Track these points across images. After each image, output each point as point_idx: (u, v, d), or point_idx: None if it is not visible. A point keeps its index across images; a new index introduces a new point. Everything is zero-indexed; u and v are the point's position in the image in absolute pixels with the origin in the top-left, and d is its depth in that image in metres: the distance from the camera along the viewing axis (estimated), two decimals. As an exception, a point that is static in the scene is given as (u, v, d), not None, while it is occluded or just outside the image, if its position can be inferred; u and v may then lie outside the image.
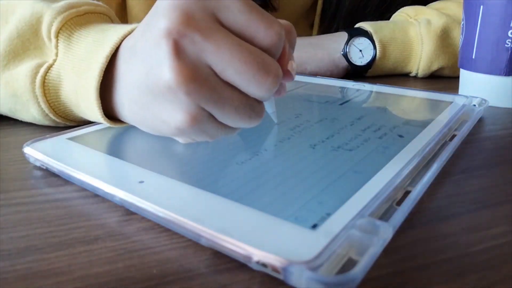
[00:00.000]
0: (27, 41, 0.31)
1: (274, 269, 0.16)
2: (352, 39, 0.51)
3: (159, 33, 0.20)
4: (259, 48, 0.21)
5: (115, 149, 0.27)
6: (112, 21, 0.34)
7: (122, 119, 0.29)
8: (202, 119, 0.22)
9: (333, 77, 0.51)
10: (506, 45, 0.38)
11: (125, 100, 0.26)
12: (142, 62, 0.23)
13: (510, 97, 0.39)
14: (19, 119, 0.34)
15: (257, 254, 0.16)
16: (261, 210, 0.19)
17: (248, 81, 0.20)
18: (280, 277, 0.16)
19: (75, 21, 0.31)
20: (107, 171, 0.24)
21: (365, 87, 0.43)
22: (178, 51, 0.20)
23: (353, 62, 0.52)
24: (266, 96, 0.21)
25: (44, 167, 0.26)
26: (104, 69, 0.27)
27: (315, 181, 0.22)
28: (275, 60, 0.21)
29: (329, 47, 0.52)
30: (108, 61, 0.27)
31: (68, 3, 0.31)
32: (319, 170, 0.24)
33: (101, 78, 0.27)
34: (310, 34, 0.67)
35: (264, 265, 0.16)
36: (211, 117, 0.22)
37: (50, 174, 0.26)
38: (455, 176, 0.26)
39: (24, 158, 0.28)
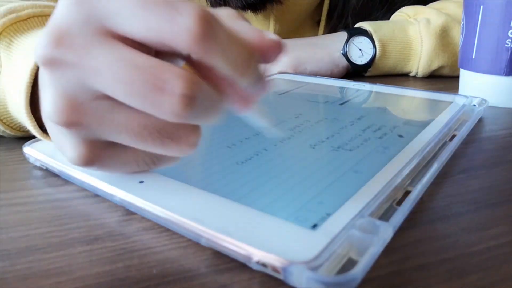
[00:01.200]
0: None
1: (274, 269, 0.16)
2: (352, 38, 0.52)
3: (39, 62, 0.17)
4: (173, 53, 0.17)
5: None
6: None
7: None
8: (100, 154, 0.19)
9: (333, 76, 0.51)
10: (506, 45, 0.38)
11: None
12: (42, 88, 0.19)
13: (510, 97, 0.39)
14: None
15: (257, 254, 0.16)
16: (261, 210, 0.19)
17: (142, 103, 0.16)
18: (280, 277, 0.16)
19: (15, 27, 0.28)
20: (107, 171, 0.24)
21: (365, 87, 0.43)
22: (53, 81, 0.17)
23: (353, 61, 0.52)
24: (175, 119, 0.16)
25: (44, 167, 0.26)
26: (29, 91, 0.25)
27: (315, 181, 0.22)
28: (178, 72, 0.16)
29: (328, 46, 0.52)
30: (32, 80, 0.25)
31: (10, 8, 0.28)
32: (319, 170, 0.24)
33: (29, 99, 0.26)
34: (316, 33, 0.66)
35: (264, 265, 0.16)
36: (121, 149, 0.19)
37: (50, 174, 0.26)
38: (455, 176, 0.26)
39: (24, 158, 0.28)
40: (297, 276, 0.15)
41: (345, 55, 0.52)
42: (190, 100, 0.16)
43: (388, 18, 0.59)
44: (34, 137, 0.28)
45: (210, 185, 0.22)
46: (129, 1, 0.16)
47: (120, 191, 0.22)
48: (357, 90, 0.42)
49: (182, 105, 0.16)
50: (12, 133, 0.30)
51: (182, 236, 0.20)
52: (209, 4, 0.55)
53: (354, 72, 0.53)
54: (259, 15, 0.58)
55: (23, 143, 0.28)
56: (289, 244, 0.17)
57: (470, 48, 0.40)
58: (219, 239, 0.18)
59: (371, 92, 0.42)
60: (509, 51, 0.38)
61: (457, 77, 0.45)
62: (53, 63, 0.17)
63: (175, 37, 0.15)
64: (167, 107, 0.16)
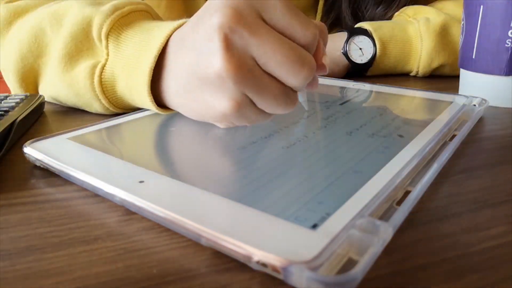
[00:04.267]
0: (80, 43, 0.35)
1: (274, 269, 0.16)
2: (352, 37, 0.52)
3: (212, 27, 0.23)
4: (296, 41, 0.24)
5: (115, 149, 0.27)
6: (152, 17, 0.37)
7: (169, 106, 0.32)
8: (245, 105, 0.24)
9: (334, 76, 0.51)
10: (506, 45, 0.38)
11: (173, 87, 0.29)
12: (193, 53, 0.26)
13: (510, 97, 0.39)
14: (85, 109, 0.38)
15: (257, 254, 0.16)
16: (261, 210, 0.19)
17: (287, 71, 0.23)
18: (280, 277, 0.16)
19: (121, 22, 0.34)
20: (107, 171, 0.24)
21: (365, 87, 0.43)
22: (228, 44, 0.23)
23: (354, 60, 0.52)
24: (301, 86, 0.24)
25: (44, 167, 0.26)
26: (153, 67, 0.30)
27: (315, 181, 0.22)
28: (310, 54, 0.24)
29: (329, 46, 0.52)
30: (156, 59, 0.30)
31: (114, 5, 0.34)
32: (319, 170, 0.24)
33: (151, 75, 0.30)
34: None
35: (264, 265, 0.16)
36: (252, 103, 0.25)
37: (50, 174, 0.26)
38: (455, 176, 0.26)
39: (24, 158, 0.28)
40: (297, 276, 0.15)
41: (346, 54, 0.52)
42: (313, 72, 0.24)
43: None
44: (35, 136, 0.28)
45: (210, 185, 0.22)
46: (279, 2, 0.23)
47: (120, 191, 0.22)
48: (357, 90, 0.42)
49: (310, 75, 0.24)
50: (115, 111, 0.36)
51: (182, 236, 0.20)
52: None
53: (355, 71, 0.53)
54: None
55: (23, 143, 0.28)
56: (289, 244, 0.17)
57: (470, 48, 0.40)
58: (219, 239, 0.18)
59: (371, 92, 0.42)
60: (509, 51, 0.38)
61: (457, 77, 0.45)
62: (231, 31, 0.22)
63: (306, 35, 0.24)
64: (304, 74, 0.23)
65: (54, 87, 0.37)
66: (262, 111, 0.26)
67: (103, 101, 0.35)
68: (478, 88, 0.41)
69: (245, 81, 0.23)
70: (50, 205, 0.23)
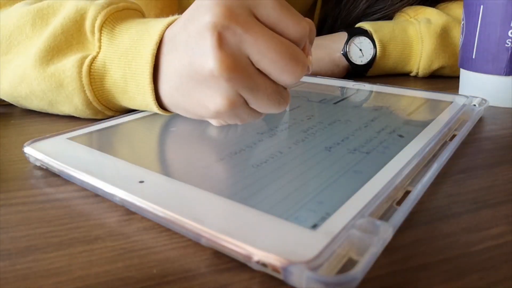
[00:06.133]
0: (70, 37, 0.33)
1: (274, 269, 0.16)
2: (352, 38, 0.52)
3: (204, 26, 0.23)
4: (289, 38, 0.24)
5: (115, 149, 0.27)
6: (143, 17, 0.36)
7: (163, 106, 0.31)
8: (238, 104, 0.25)
9: (334, 76, 0.51)
10: (506, 45, 0.38)
11: (166, 87, 0.29)
12: (185, 52, 0.25)
13: (510, 97, 0.39)
14: (56, 112, 0.37)
15: (257, 254, 0.16)
16: (261, 210, 0.19)
17: (281, 69, 0.23)
18: (280, 277, 0.16)
19: (116, 16, 0.33)
20: (107, 171, 0.24)
21: (365, 87, 0.43)
22: (222, 42, 0.23)
23: (353, 62, 0.52)
24: (293, 83, 0.24)
25: (44, 167, 0.26)
26: (155, 55, 0.29)
27: (315, 181, 0.22)
28: (302, 51, 0.24)
29: (329, 47, 0.52)
30: (157, 48, 0.29)
31: (108, 0, 0.34)
32: (319, 170, 0.24)
33: (153, 64, 0.29)
34: None
35: (264, 265, 0.16)
36: (245, 102, 0.25)
37: (50, 174, 0.26)
38: (455, 176, 0.26)
39: (24, 158, 0.28)
40: (297, 276, 0.15)
41: (346, 55, 0.52)
42: (305, 69, 0.24)
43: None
44: (35, 136, 0.28)
45: (210, 185, 0.22)
46: (270, 0, 0.23)
47: (120, 191, 0.22)
48: (357, 90, 0.42)
49: (304, 72, 0.24)
50: (97, 107, 0.34)
51: (182, 236, 0.20)
52: None
53: (354, 72, 0.53)
54: None
55: (23, 143, 0.28)
56: (289, 244, 0.17)
57: (470, 48, 0.40)
58: (219, 239, 0.18)
59: (371, 92, 0.42)
60: (509, 51, 0.38)
61: (457, 77, 0.45)
62: (224, 29, 0.22)
63: (297, 30, 0.24)
64: (298, 72, 0.23)
65: (27, 83, 0.34)
66: (254, 110, 0.26)
67: (88, 93, 0.33)
68: (478, 88, 0.41)
69: (239, 80, 0.23)
70: (50, 205, 0.23)
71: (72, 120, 0.36)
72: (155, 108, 0.31)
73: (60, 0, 0.36)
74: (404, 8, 0.57)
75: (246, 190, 0.21)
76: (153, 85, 0.30)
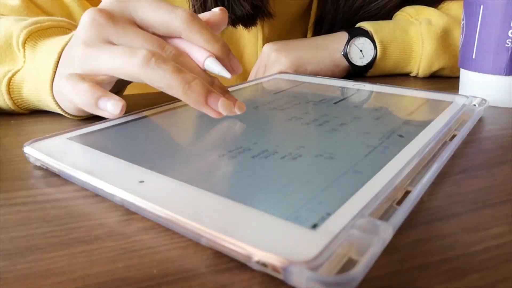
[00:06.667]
0: (3, 54, 0.38)
1: (274, 269, 0.16)
2: (353, 39, 0.51)
3: (88, 22, 0.30)
4: (171, 33, 0.31)
5: (115, 149, 0.27)
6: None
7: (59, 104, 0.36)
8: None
9: (334, 77, 0.51)
10: (506, 45, 0.38)
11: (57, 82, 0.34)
12: (69, 50, 0.33)
13: (510, 97, 0.39)
14: None
15: (257, 254, 0.16)
16: (261, 210, 0.19)
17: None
18: (280, 277, 0.16)
19: (39, 34, 0.38)
20: (107, 171, 0.24)
21: (365, 87, 0.43)
22: (94, 33, 0.30)
23: (354, 62, 0.52)
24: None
25: (44, 167, 0.26)
26: (55, 69, 0.35)
27: (315, 181, 0.22)
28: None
29: (329, 47, 0.52)
30: (58, 61, 0.35)
31: (34, 20, 0.38)
32: (319, 170, 0.24)
33: (54, 76, 0.35)
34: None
35: (264, 265, 0.16)
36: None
37: (50, 174, 0.26)
38: (455, 176, 0.26)
39: (24, 158, 0.28)
40: (297, 276, 0.15)
41: (346, 56, 0.51)
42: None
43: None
44: (35, 136, 0.28)
45: (211, 185, 0.22)
46: (146, 1, 0.31)
47: (120, 191, 0.22)
48: (357, 90, 0.42)
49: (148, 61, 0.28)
50: (16, 110, 0.39)
51: (182, 236, 0.20)
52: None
53: (355, 73, 0.53)
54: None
55: (23, 143, 0.28)
56: (289, 244, 0.17)
57: (470, 48, 0.40)
58: (219, 239, 0.18)
59: (371, 92, 0.42)
60: (509, 51, 0.38)
61: (457, 77, 0.45)
62: (98, 25, 0.30)
63: (173, 21, 0.30)
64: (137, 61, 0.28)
65: None
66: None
67: (8, 101, 0.37)
68: (478, 88, 0.41)
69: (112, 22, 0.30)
70: (50, 205, 0.23)
71: (72, 120, 0.36)
72: (61, 111, 0.36)
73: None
74: (405, 8, 0.57)
75: (246, 190, 0.21)
76: (53, 95, 0.35)
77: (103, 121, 0.33)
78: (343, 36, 0.52)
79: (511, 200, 0.23)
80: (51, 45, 0.36)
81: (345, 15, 0.61)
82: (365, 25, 0.53)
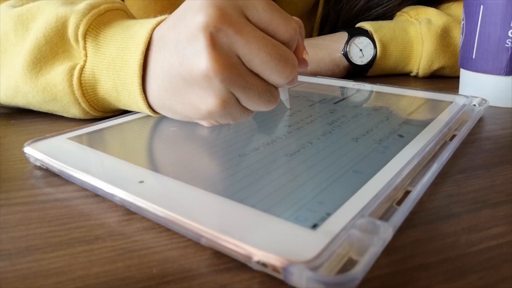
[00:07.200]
0: (55, 46, 0.33)
1: (274, 269, 0.16)
2: (352, 38, 0.51)
3: (196, 26, 0.23)
4: (279, 41, 0.25)
5: (115, 149, 0.27)
6: (128, 15, 0.36)
7: (151, 107, 0.31)
8: (231, 103, 0.25)
9: (334, 76, 0.51)
10: (506, 45, 0.38)
11: (154, 87, 0.29)
12: (175, 52, 0.25)
13: (510, 97, 0.39)
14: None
15: (257, 254, 0.16)
16: (261, 210, 0.19)
17: (271, 69, 0.24)
18: (280, 277, 0.16)
19: (98, 21, 0.32)
20: (107, 171, 0.24)
21: (365, 87, 0.43)
22: (214, 43, 0.23)
23: (354, 62, 0.52)
24: (283, 83, 0.25)
25: (44, 167, 0.26)
26: (142, 65, 0.29)
27: (315, 181, 0.22)
28: (292, 52, 0.25)
29: (329, 47, 0.52)
30: (143, 57, 0.29)
31: (89, 4, 0.33)
32: (319, 170, 0.24)
33: (142, 73, 0.30)
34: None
35: (264, 265, 0.16)
36: (237, 101, 0.26)
37: (50, 174, 0.26)
38: (455, 176, 0.26)
39: (24, 158, 0.28)
40: (297, 276, 0.15)
41: (346, 55, 0.51)
42: (295, 69, 0.25)
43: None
44: (35, 136, 0.28)
45: (210, 185, 0.22)
46: (261, 1, 0.24)
47: (120, 191, 0.22)
48: (357, 90, 0.42)
49: (293, 72, 0.25)
50: (94, 114, 0.35)
51: (182, 236, 0.20)
52: None
53: (355, 72, 0.53)
54: None
55: (23, 143, 0.28)
56: (289, 244, 0.17)
57: (470, 48, 0.40)
58: (219, 239, 0.18)
59: (371, 92, 0.42)
60: (509, 51, 0.38)
61: (457, 77, 0.45)
62: (217, 30, 0.23)
63: (287, 31, 0.24)
64: (287, 72, 0.24)
65: (22, 95, 0.34)
66: (245, 109, 0.26)
67: (83, 105, 0.33)
68: (478, 88, 0.41)
69: (231, 79, 0.24)
70: (50, 205, 0.23)
71: (72, 120, 0.36)
72: (151, 114, 0.32)
73: (38, 3, 0.35)
74: (405, 8, 0.57)
75: (246, 190, 0.21)
76: (144, 95, 0.30)
77: (103, 121, 0.33)
78: (343, 35, 0.52)
79: (511, 200, 0.23)
80: (122, 38, 0.31)
81: (347, 16, 0.61)
82: (365, 24, 0.53)
